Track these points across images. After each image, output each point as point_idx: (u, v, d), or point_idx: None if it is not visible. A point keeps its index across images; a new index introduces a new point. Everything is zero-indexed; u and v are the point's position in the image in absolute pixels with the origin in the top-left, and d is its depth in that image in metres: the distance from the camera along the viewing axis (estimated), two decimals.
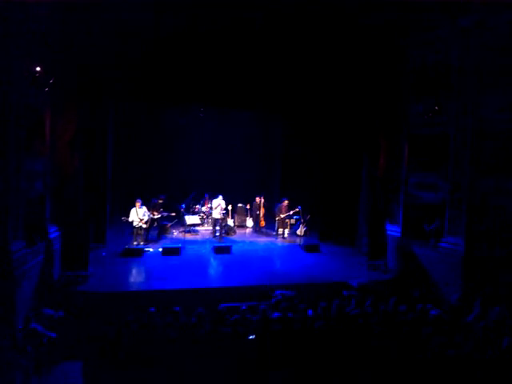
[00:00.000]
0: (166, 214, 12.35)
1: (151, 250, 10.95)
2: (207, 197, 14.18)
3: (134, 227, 11.09)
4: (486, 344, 5.34)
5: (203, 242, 12.24)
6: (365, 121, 10.85)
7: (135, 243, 11.13)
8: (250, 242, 12.56)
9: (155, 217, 11.73)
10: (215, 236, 12.76)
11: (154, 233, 12.17)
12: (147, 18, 8.21)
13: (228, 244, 11.51)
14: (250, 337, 5.60)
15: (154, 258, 10.45)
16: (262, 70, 9.75)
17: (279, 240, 12.84)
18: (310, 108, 11.79)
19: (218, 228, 12.75)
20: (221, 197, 12.74)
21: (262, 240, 12.84)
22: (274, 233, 13.29)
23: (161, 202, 12.18)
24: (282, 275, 9.46)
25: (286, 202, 12.95)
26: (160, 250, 10.77)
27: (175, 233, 13.08)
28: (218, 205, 12.54)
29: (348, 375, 5.06)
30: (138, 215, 11.00)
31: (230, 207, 13.47)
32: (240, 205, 14.48)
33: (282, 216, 12.88)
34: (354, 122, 11.28)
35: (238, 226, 14.26)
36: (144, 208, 11.21)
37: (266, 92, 10.32)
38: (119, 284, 8.54)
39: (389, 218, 10.50)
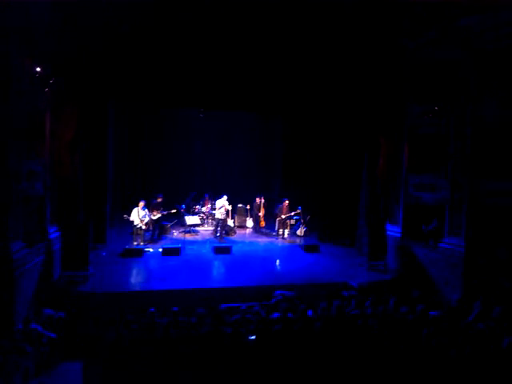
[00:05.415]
0: (165, 212, 12.30)
1: (151, 250, 10.94)
2: (207, 197, 14.18)
3: (135, 227, 11.10)
4: (487, 344, 5.33)
5: (203, 242, 12.23)
6: (365, 121, 10.85)
7: (135, 243, 11.13)
8: (250, 242, 12.55)
9: (155, 217, 11.67)
10: (216, 236, 12.75)
11: (155, 233, 12.16)
12: (148, 19, 8.21)
13: (228, 244, 11.50)
14: (251, 337, 5.59)
15: (154, 258, 10.45)
16: (262, 71, 9.73)
17: (279, 240, 12.82)
18: (310, 108, 11.79)
19: (218, 228, 12.75)
20: (225, 197, 12.67)
21: (262, 240, 12.82)
22: (274, 233, 13.28)
23: (160, 200, 12.12)
24: (282, 275, 9.47)
25: (287, 202, 12.93)
26: (160, 250, 10.76)
27: (175, 233, 13.07)
28: (221, 205, 12.49)
29: (348, 376, 5.06)
30: (139, 215, 11.01)
31: (230, 207, 13.45)
32: (240, 205, 14.45)
33: (283, 216, 12.86)
34: (355, 122, 11.28)
35: (238, 227, 14.24)
36: (146, 210, 11.22)
37: (266, 93, 10.31)
38: (119, 284, 8.54)
39: (389, 219, 10.50)
